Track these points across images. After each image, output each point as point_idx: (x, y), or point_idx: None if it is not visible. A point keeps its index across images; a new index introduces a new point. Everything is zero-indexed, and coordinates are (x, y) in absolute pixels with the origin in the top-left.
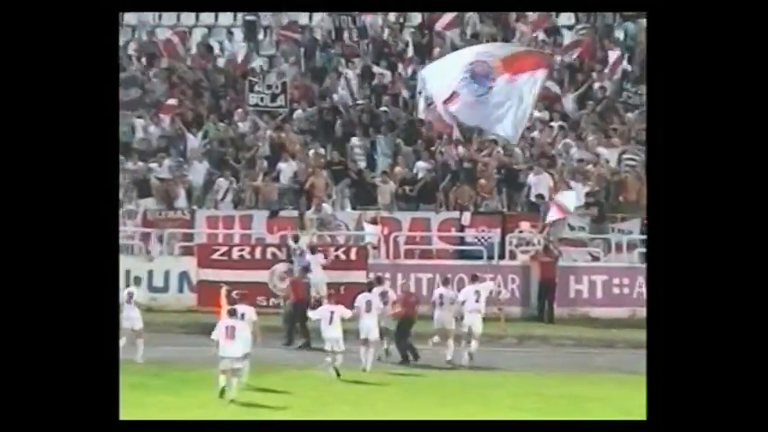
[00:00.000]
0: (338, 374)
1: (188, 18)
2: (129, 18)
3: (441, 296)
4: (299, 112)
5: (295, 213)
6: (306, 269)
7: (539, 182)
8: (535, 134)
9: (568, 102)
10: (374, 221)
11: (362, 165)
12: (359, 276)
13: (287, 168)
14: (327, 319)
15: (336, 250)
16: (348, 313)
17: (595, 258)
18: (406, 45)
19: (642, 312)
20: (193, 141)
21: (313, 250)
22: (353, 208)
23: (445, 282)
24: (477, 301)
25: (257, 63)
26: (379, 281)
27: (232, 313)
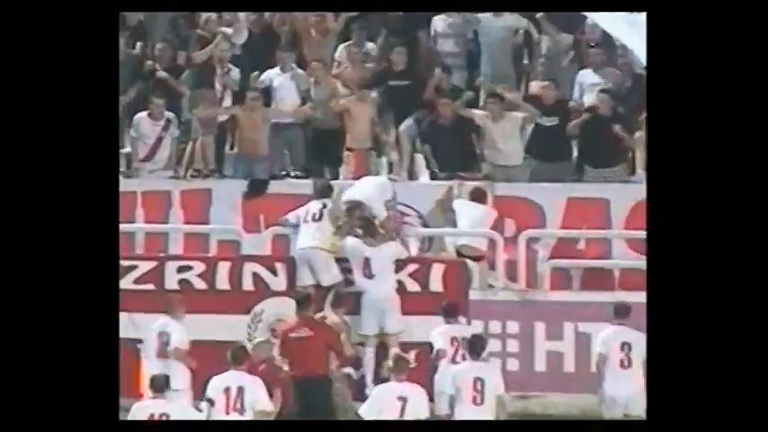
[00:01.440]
0: None
1: None
2: None
3: None
4: None
5: (305, 185)
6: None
7: None
8: None
9: None
10: (479, 198)
11: (455, 77)
12: (451, 328)
13: (285, 84)
14: (396, 412)
15: (401, 269)
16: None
17: None
18: None
19: None
20: None
21: (367, 230)
22: (435, 176)
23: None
24: (627, 362)
25: None
26: (452, 310)
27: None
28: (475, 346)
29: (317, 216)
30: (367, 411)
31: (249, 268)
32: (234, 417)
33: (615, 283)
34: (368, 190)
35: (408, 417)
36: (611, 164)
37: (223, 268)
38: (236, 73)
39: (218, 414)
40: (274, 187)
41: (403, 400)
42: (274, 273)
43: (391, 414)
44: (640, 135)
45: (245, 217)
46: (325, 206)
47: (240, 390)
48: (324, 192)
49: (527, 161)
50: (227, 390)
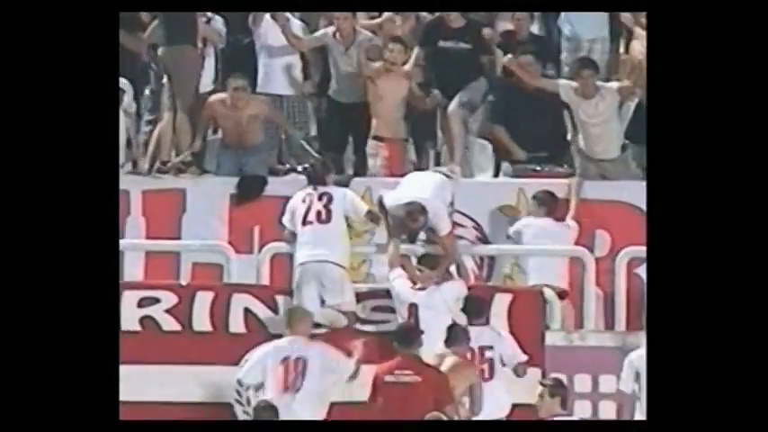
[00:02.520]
0: None
1: None
2: None
3: None
4: None
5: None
6: None
7: None
8: None
9: None
10: (548, 206)
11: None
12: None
13: (275, 41)
14: None
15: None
16: None
17: None
18: None
19: None
20: None
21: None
22: (501, 171)
23: None
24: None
25: None
26: (478, 306)
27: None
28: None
29: (323, 216)
30: None
31: (239, 302)
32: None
33: None
34: (425, 191)
35: None
36: None
37: (203, 301)
38: (219, 23)
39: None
40: (275, 187)
41: None
42: (274, 309)
43: None
44: None
45: (234, 229)
46: (331, 200)
47: (303, 363)
48: (320, 175)
49: (628, 152)
50: (286, 360)
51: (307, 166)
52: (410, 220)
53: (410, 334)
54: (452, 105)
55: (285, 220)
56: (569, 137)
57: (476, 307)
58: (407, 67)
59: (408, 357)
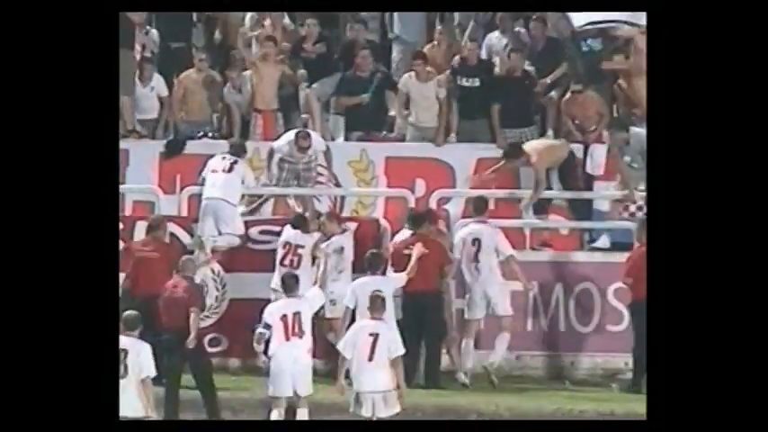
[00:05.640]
0: None
1: None
2: None
3: None
4: None
5: (223, 146)
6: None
7: None
8: None
9: None
10: None
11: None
12: (371, 281)
13: None
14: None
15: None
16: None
17: None
18: None
19: None
20: None
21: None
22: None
23: None
24: None
25: None
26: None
27: None
28: (375, 302)
29: (226, 168)
30: (343, 347)
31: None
32: (294, 341)
33: (526, 243)
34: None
35: (378, 352)
36: (526, 124)
37: (141, 227)
38: (154, 34)
39: (278, 339)
40: (192, 148)
41: (374, 336)
42: (190, 233)
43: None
44: (553, 95)
45: (162, 177)
46: (236, 162)
47: (297, 315)
48: (238, 151)
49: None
50: (283, 317)
51: (211, 134)
52: (301, 139)
53: (421, 216)
54: (311, 91)
55: (205, 171)
56: (396, 112)
57: (378, 302)
58: (280, 57)
59: (419, 235)
